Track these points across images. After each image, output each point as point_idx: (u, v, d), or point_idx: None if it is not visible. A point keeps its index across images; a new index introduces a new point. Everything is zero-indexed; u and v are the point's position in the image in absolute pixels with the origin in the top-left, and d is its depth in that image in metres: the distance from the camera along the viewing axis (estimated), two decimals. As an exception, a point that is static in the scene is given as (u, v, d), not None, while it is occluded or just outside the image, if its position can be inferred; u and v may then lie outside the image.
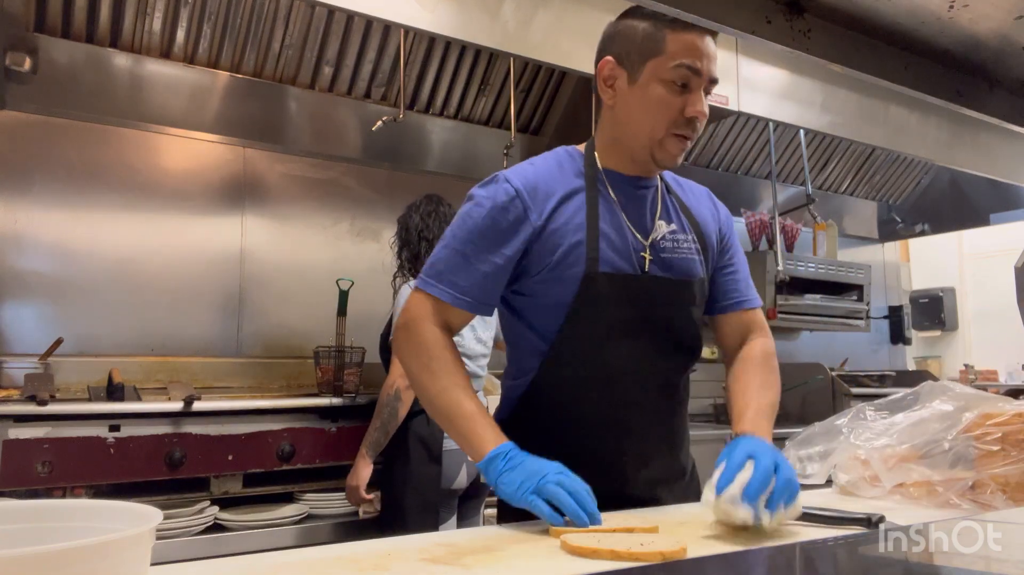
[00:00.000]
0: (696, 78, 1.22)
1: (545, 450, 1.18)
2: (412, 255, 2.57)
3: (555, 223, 1.25)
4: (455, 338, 1.29)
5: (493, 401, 2.73)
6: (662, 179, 1.39)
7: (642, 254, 1.28)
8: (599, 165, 1.32)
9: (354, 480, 2.39)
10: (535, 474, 1.09)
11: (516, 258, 1.25)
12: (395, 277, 2.69)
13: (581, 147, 1.36)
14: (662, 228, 1.32)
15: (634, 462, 1.29)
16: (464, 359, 2.56)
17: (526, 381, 1.31)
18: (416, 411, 2.39)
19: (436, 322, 1.25)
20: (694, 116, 1.23)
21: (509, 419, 1.32)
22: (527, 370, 1.31)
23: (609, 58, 1.27)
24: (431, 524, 2.35)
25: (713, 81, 1.24)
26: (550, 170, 1.30)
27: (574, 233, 1.25)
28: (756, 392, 1.32)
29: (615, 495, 1.21)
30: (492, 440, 1.16)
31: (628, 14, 1.28)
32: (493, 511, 2.75)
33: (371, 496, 2.40)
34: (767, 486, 1.03)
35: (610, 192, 1.30)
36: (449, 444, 2.41)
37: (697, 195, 1.45)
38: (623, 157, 1.31)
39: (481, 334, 2.60)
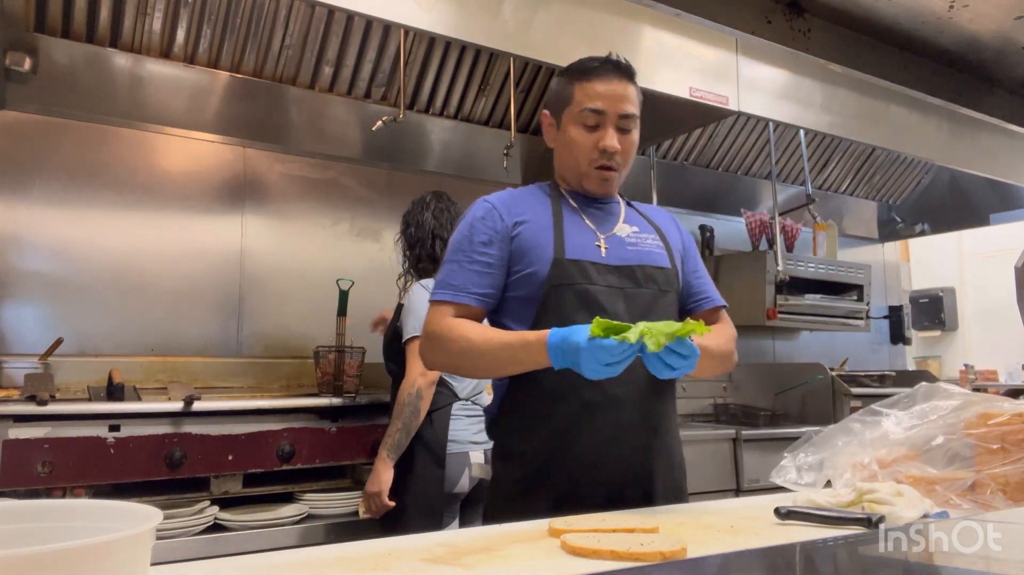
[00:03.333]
0: (601, 117, 1.42)
1: (535, 427, 1.38)
2: (427, 255, 2.51)
3: (527, 227, 1.44)
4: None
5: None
6: (626, 202, 1.58)
7: (597, 244, 1.44)
8: (561, 188, 1.54)
9: (375, 486, 2.27)
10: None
11: (504, 257, 1.42)
12: (401, 276, 2.63)
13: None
14: (625, 228, 1.51)
15: (617, 429, 1.38)
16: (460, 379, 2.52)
17: None
18: None
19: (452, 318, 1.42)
20: (604, 149, 1.43)
21: (499, 410, 1.48)
22: None
23: (545, 112, 1.55)
24: (434, 527, 2.31)
25: (625, 117, 1.43)
26: (522, 193, 1.53)
27: (543, 233, 1.43)
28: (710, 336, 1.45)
29: (607, 467, 1.36)
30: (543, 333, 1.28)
31: (560, 72, 1.51)
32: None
33: (393, 503, 2.28)
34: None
35: (573, 205, 1.50)
36: (452, 447, 2.36)
37: (661, 214, 1.63)
38: (573, 186, 1.53)
39: None
